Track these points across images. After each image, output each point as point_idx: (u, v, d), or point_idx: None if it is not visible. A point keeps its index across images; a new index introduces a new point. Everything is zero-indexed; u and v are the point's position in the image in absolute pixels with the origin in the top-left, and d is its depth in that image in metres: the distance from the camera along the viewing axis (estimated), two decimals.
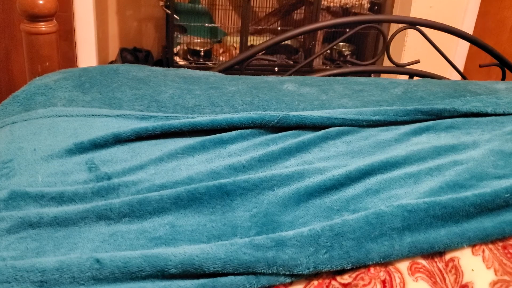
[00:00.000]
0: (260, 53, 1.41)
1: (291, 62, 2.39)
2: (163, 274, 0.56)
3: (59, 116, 0.85)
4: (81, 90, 0.96)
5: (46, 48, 1.22)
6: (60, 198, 0.65)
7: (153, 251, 0.57)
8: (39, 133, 0.80)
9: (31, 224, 0.61)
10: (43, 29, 1.19)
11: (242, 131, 0.88)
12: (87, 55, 1.96)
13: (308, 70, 2.19)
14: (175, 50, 2.42)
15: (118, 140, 0.79)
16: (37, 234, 0.60)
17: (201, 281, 0.56)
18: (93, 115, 0.86)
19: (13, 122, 0.85)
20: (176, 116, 0.90)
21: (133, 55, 2.54)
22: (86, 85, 0.98)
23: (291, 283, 0.61)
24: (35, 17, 1.17)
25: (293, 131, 0.90)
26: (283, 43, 2.34)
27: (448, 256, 0.67)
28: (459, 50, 2.22)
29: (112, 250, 0.58)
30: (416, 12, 2.10)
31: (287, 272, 0.60)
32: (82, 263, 0.54)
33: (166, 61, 2.42)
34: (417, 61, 1.47)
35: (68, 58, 1.93)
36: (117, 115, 0.87)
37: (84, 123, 0.83)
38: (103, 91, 0.96)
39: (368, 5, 2.34)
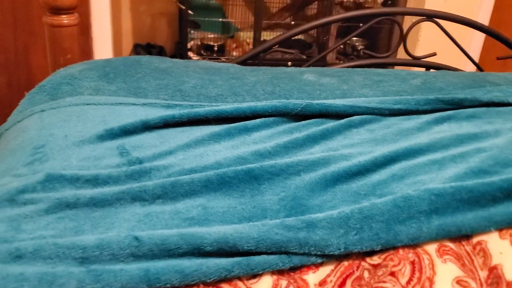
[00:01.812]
0: (276, 47, 1.42)
1: (304, 57, 2.40)
2: (199, 252, 0.57)
3: (87, 104, 0.87)
4: (106, 80, 0.97)
5: (68, 41, 1.24)
6: (95, 181, 0.66)
7: (189, 230, 0.58)
8: (69, 120, 0.82)
9: (68, 205, 0.62)
10: (65, 21, 1.21)
11: (266, 119, 0.89)
12: (103, 50, 1.98)
13: (321, 64, 2.20)
14: (188, 45, 2.44)
15: (147, 127, 0.81)
16: (75, 214, 0.61)
17: (236, 259, 0.58)
18: (120, 104, 0.88)
19: (41, 110, 0.87)
20: (200, 105, 0.92)
21: (146, 51, 2.55)
22: (111, 75, 0.99)
23: (321, 264, 0.62)
24: (57, 10, 1.19)
25: (316, 119, 0.91)
26: (296, 37, 2.35)
27: (475, 240, 0.67)
28: (474, 44, 2.21)
29: (148, 229, 0.60)
30: (431, 6, 2.09)
31: (319, 252, 0.61)
32: (121, 240, 0.56)
33: (179, 56, 2.43)
34: (434, 54, 1.47)
35: (85, 52, 1.95)
36: (144, 104, 0.89)
37: (112, 111, 0.85)
38: (128, 81, 0.98)
39: (382, 0, 2.35)
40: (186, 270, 0.55)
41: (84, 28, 1.92)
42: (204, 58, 2.41)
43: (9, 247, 0.55)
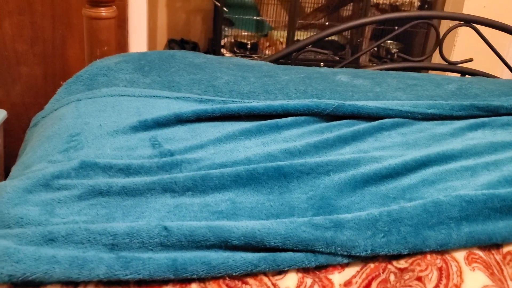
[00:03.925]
0: (309, 47, 1.42)
1: (337, 58, 2.38)
2: (226, 245, 0.58)
3: (122, 95, 0.88)
4: (141, 72, 0.99)
5: (105, 33, 1.26)
6: (127, 170, 0.68)
7: (217, 223, 0.59)
8: (104, 110, 0.83)
9: (100, 192, 0.64)
10: (103, 14, 1.23)
11: (297, 118, 0.89)
12: (138, 43, 2.00)
13: (354, 67, 2.18)
14: (222, 42, 2.45)
15: (179, 120, 0.82)
16: (107, 202, 0.63)
17: (262, 254, 0.58)
18: (154, 96, 0.89)
19: (78, 99, 0.89)
20: (232, 101, 0.92)
21: (180, 46, 2.58)
22: (146, 68, 1.01)
23: (347, 264, 0.62)
24: (96, 2, 1.21)
25: (348, 120, 0.90)
26: (330, 38, 2.33)
27: (505, 249, 0.66)
28: (511, 52, 2.16)
29: (178, 221, 0.60)
30: (469, 11, 2.05)
31: (345, 253, 0.61)
32: (151, 229, 0.57)
33: (212, 53, 2.45)
34: (470, 59, 1.45)
35: (121, 45, 1.99)
36: (177, 97, 0.90)
37: (146, 103, 0.86)
38: (162, 75, 0.99)
39: (418, 3, 2.31)
40: (212, 262, 0.56)
41: (121, 22, 1.95)
42: (237, 56, 2.42)
43: (43, 230, 0.57)
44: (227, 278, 0.57)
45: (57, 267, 0.53)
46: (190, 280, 0.56)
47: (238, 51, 2.44)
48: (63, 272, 0.53)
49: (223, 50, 2.45)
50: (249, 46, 2.43)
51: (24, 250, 0.54)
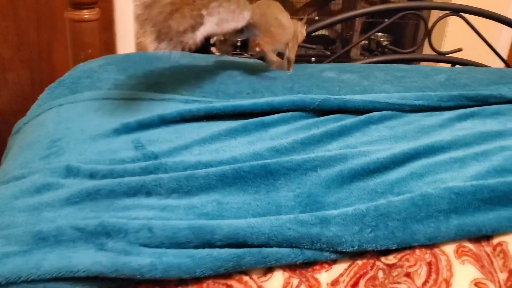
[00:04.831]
0: None
1: (328, 53, 2.37)
2: (210, 245, 0.57)
3: (105, 98, 0.87)
4: (125, 74, 0.98)
5: (89, 35, 1.25)
6: (110, 175, 0.67)
7: (200, 223, 0.58)
8: (86, 115, 0.82)
9: (88, 195, 0.63)
10: (86, 16, 1.22)
11: (284, 114, 0.88)
12: (126, 45, 1.99)
13: (345, 60, 2.17)
14: (211, 40, 2.44)
15: (163, 121, 0.81)
16: (95, 205, 0.62)
17: (247, 248, 0.57)
18: (138, 98, 0.88)
19: (59, 104, 0.88)
20: (218, 101, 0.91)
21: None
22: (130, 70, 1.00)
23: (335, 262, 0.61)
24: (79, 5, 1.20)
25: (335, 115, 0.89)
26: (320, 33, 2.32)
27: (496, 241, 0.65)
28: (502, 41, 2.15)
29: (163, 223, 0.59)
30: (458, 0, 2.04)
31: (331, 249, 0.60)
32: (136, 230, 0.56)
33: (202, 51, 2.43)
34: (460, 49, 1.44)
35: (109, 48, 1.97)
36: (162, 99, 0.89)
37: (130, 106, 0.85)
38: (147, 76, 0.98)
39: None
40: (196, 255, 0.55)
41: (108, 24, 1.94)
42: (227, 54, 2.40)
43: (32, 230, 0.57)
44: (211, 283, 0.56)
45: (46, 265, 0.52)
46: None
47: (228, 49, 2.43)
48: (51, 270, 0.52)
49: (212, 49, 2.43)
50: (239, 44, 2.41)
51: (12, 250, 0.53)
